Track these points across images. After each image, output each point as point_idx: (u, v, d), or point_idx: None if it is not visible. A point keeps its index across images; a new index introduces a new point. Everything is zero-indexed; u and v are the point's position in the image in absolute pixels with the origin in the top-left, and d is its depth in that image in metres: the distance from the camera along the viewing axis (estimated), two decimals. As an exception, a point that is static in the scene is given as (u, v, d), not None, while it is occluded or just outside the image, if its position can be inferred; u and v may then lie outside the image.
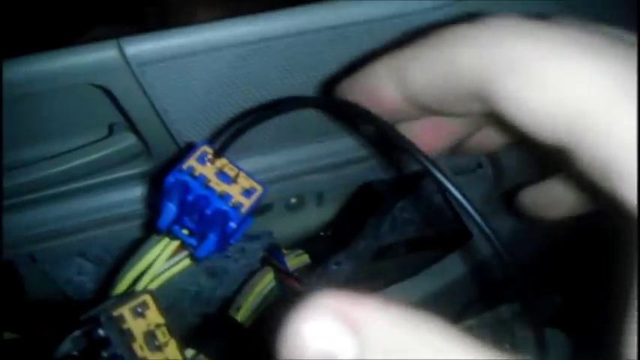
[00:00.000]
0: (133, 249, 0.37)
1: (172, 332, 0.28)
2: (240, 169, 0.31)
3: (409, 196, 0.57)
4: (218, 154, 0.30)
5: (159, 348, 0.27)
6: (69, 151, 0.37)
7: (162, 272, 0.34)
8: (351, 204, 0.58)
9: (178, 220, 0.32)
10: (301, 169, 0.47)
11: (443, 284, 0.48)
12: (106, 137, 0.38)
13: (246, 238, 0.53)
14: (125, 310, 0.27)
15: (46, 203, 0.41)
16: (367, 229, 0.56)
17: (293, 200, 0.57)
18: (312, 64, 0.36)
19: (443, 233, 0.57)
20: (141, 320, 0.28)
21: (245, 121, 0.30)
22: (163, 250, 0.33)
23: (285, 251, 0.50)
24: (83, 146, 0.37)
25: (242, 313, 0.43)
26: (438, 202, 0.58)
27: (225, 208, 0.30)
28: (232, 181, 0.31)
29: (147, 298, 0.28)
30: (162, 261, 0.33)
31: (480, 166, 0.53)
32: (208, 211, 0.30)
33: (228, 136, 0.30)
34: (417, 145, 0.26)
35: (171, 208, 0.31)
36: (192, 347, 0.40)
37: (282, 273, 0.45)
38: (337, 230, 0.57)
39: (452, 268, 0.49)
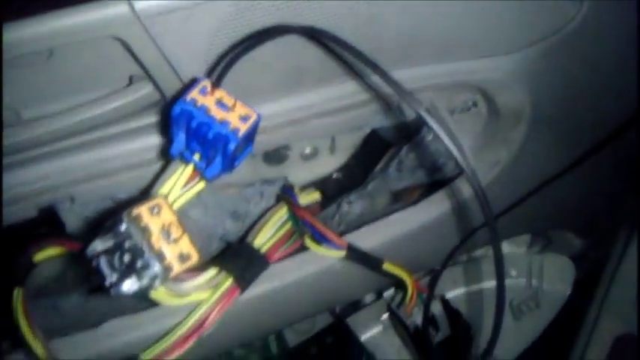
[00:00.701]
0: (153, 180, 0.42)
1: (184, 229, 0.33)
2: (236, 98, 0.36)
3: (412, 141, 0.61)
4: (216, 85, 0.35)
5: (174, 241, 0.33)
6: (96, 99, 0.42)
7: (180, 196, 0.39)
8: (361, 150, 0.62)
9: (188, 147, 0.37)
10: (309, 114, 0.52)
11: (444, 211, 0.52)
12: (126, 87, 0.43)
13: (264, 183, 0.58)
14: (143, 209, 0.33)
15: (81, 149, 0.46)
16: (376, 171, 0.61)
17: (307, 150, 0.62)
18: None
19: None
20: (156, 218, 0.33)
21: (235, 52, 0.35)
22: (179, 177, 0.39)
23: (297, 191, 0.55)
24: (107, 95, 0.43)
25: (258, 240, 0.48)
26: (443, 146, 0.62)
27: (224, 132, 0.35)
28: (230, 109, 0.36)
29: (161, 200, 0.34)
30: (179, 187, 0.38)
31: (474, 104, 0.57)
32: (210, 135, 0.35)
33: (223, 67, 0.35)
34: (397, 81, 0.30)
35: (180, 136, 0.37)
36: (215, 266, 0.46)
37: (294, 206, 0.50)
38: (348, 173, 0.61)
39: (452, 196, 0.53)
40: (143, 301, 0.51)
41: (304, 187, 0.58)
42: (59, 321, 0.52)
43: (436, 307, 0.53)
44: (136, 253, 0.31)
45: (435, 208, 0.52)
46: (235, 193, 0.58)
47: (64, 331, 0.47)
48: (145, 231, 0.32)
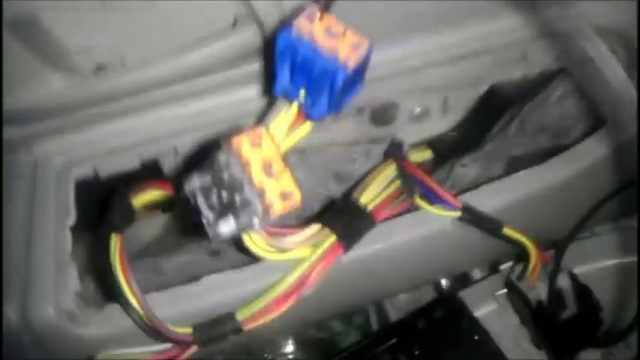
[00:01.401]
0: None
1: (287, 165, 0.30)
2: (346, 25, 0.32)
3: (537, 99, 0.55)
4: (324, 10, 0.32)
5: (275, 177, 0.30)
6: (200, 40, 0.40)
7: (285, 139, 0.36)
8: (477, 110, 0.57)
9: (293, 82, 0.34)
10: (422, 62, 0.48)
11: (576, 170, 0.46)
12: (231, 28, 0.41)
13: (371, 141, 0.55)
14: (243, 139, 0.30)
15: (186, 98, 0.45)
16: (494, 131, 0.55)
17: (417, 110, 0.57)
18: None
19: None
20: (257, 150, 0.30)
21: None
22: (284, 117, 0.36)
23: (407, 149, 0.50)
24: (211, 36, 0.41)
25: (363, 198, 0.44)
26: (571, 106, 0.55)
27: (332, 61, 0.32)
28: (339, 37, 0.32)
29: (262, 131, 0.31)
30: (284, 128, 0.36)
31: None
32: (317, 66, 0.32)
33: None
34: None
35: (284, 70, 0.34)
36: (317, 222, 0.43)
37: (404, 163, 0.45)
38: (463, 133, 0.56)
39: (586, 153, 0.47)
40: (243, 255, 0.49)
41: (415, 145, 0.54)
42: (160, 283, 0.51)
43: (563, 281, 0.46)
44: (235, 187, 0.29)
45: (564, 168, 0.46)
46: (340, 153, 0.55)
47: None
48: (245, 163, 0.29)
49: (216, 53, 0.42)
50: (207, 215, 0.30)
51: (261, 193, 0.29)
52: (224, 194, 0.29)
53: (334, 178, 0.55)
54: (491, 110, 0.56)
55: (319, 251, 0.42)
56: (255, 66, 0.44)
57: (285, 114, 0.36)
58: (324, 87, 0.33)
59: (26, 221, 0.45)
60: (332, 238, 0.42)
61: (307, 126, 0.36)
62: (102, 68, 0.42)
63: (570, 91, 0.54)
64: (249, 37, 0.41)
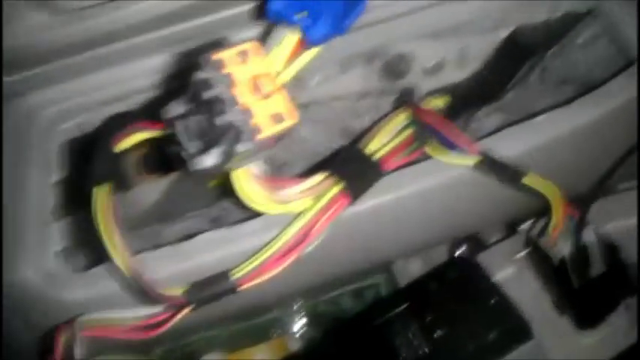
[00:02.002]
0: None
1: (280, 86, 0.26)
2: None
3: (561, 43, 0.50)
4: None
5: (265, 96, 0.26)
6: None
7: (285, 70, 0.32)
8: (497, 57, 0.52)
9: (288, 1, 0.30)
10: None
11: (605, 111, 0.42)
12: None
13: (381, 94, 0.51)
14: (226, 53, 0.26)
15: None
16: (515, 80, 0.51)
17: (432, 62, 0.53)
18: None
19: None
20: (244, 67, 0.26)
21: None
22: (281, 45, 0.32)
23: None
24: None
25: (372, 146, 0.41)
26: (599, 52, 0.51)
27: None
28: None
29: (251, 45, 0.27)
30: (283, 58, 0.32)
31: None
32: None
33: None
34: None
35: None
36: (323, 171, 0.39)
37: (418, 108, 0.41)
38: (481, 83, 0.52)
39: (616, 92, 0.42)
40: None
41: (428, 94, 0.50)
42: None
43: (589, 236, 0.42)
44: (217, 108, 0.25)
45: (592, 109, 0.41)
46: (347, 107, 0.51)
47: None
48: (229, 81, 0.25)
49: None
50: (189, 146, 0.26)
51: (246, 114, 0.25)
52: (206, 120, 0.25)
53: (340, 134, 0.52)
54: (512, 59, 0.51)
55: (323, 201, 0.38)
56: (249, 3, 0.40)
57: (284, 40, 0.31)
58: (322, 1, 0.29)
59: (8, 178, 0.41)
60: (337, 188, 0.38)
61: (309, 53, 0.32)
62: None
63: (598, 35, 0.50)
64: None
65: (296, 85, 0.46)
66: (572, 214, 0.42)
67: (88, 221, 0.38)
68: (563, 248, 0.42)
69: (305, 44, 0.32)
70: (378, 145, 0.41)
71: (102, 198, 0.37)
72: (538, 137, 0.41)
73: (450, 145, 0.40)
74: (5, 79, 0.41)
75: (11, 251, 0.38)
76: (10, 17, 0.39)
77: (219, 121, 0.24)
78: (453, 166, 0.40)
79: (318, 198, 0.38)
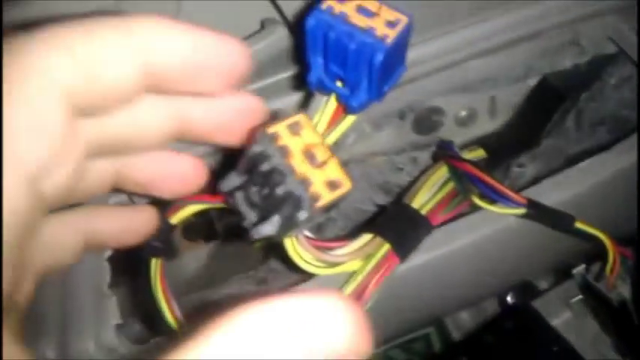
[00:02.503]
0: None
1: (332, 152, 0.27)
2: (381, 2, 0.30)
3: (594, 87, 0.51)
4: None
5: (319, 165, 0.27)
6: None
7: (326, 136, 0.33)
8: (528, 104, 0.53)
9: (327, 71, 0.31)
10: (463, 55, 0.44)
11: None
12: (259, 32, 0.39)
13: (416, 148, 0.51)
14: (280, 127, 0.27)
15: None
16: (550, 126, 0.51)
17: (463, 113, 0.54)
18: None
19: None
20: (297, 138, 0.27)
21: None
22: (322, 112, 0.33)
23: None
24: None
25: (416, 202, 0.41)
26: (629, 93, 0.51)
27: (369, 40, 0.29)
28: (374, 15, 0.29)
29: (301, 117, 0.28)
30: (323, 124, 0.33)
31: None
32: (352, 48, 0.29)
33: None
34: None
35: (317, 59, 0.31)
36: (369, 232, 0.39)
37: (458, 161, 0.42)
38: (515, 131, 0.52)
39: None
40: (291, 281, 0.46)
41: (464, 146, 0.50)
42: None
43: (643, 277, 0.41)
44: (275, 179, 0.26)
45: (632, 151, 0.41)
46: (384, 163, 0.51)
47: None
48: (285, 153, 0.26)
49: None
50: (249, 215, 0.27)
51: (305, 183, 0.26)
52: (265, 191, 0.26)
53: (381, 190, 0.52)
54: (544, 105, 0.52)
55: (373, 262, 0.38)
56: (289, 72, 0.42)
57: (324, 108, 0.33)
58: (361, 70, 0.30)
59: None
60: (385, 248, 0.38)
61: (349, 119, 0.33)
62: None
63: (627, 77, 0.50)
64: (278, 40, 0.39)
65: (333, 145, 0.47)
66: (626, 256, 0.41)
67: (141, 292, 0.38)
68: (621, 291, 0.42)
69: (342, 111, 0.33)
70: (421, 202, 0.41)
71: (158, 269, 0.38)
72: (582, 183, 0.41)
73: (494, 196, 0.40)
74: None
75: (71, 327, 0.39)
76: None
77: (279, 190, 0.25)
78: (501, 216, 0.40)
79: (366, 257, 0.39)
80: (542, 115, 0.51)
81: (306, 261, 0.37)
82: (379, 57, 0.29)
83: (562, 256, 0.46)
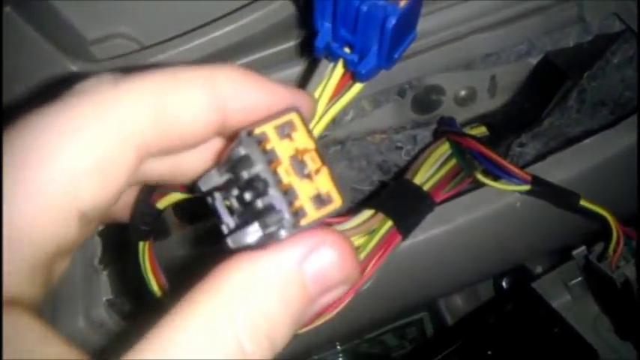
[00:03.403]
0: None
1: (325, 159, 0.23)
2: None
3: (597, 66, 0.50)
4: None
5: (308, 176, 0.24)
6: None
7: (332, 105, 0.32)
8: (529, 84, 0.52)
9: (335, 37, 0.30)
10: (464, 29, 0.43)
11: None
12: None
13: (416, 126, 0.50)
14: (268, 128, 0.23)
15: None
16: (551, 105, 0.51)
17: (463, 92, 0.53)
18: None
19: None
20: (287, 142, 0.23)
21: None
22: (328, 79, 0.31)
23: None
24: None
25: (418, 179, 0.40)
26: (632, 74, 0.51)
27: (380, 3, 0.27)
28: (387, -24, 0.28)
29: (293, 116, 0.23)
30: (329, 91, 0.31)
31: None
32: (363, 12, 0.28)
33: None
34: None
35: (325, 24, 0.30)
36: (370, 207, 0.38)
37: (461, 137, 0.41)
38: (516, 110, 0.51)
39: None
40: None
41: (465, 123, 0.49)
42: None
43: (647, 257, 0.41)
44: (257, 188, 0.23)
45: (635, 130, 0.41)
46: (383, 141, 0.50)
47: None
48: (271, 159, 0.22)
49: (245, 31, 0.38)
50: (227, 220, 0.24)
51: (289, 196, 0.22)
52: (246, 196, 0.23)
53: (379, 169, 0.51)
54: (545, 83, 0.51)
55: (375, 239, 0.37)
56: (291, 42, 0.40)
57: (330, 74, 0.31)
58: (372, 34, 0.28)
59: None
60: (388, 224, 0.37)
61: (356, 88, 0.32)
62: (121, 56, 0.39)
63: (630, 56, 0.50)
64: (279, 8, 0.38)
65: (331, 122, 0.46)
66: (630, 236, 0.40)
67: (131, 271, 0.37)
68: (625, 271, 0.41)
69: (349, 79, 0.32)
70: (423, 178, 0.40)
71: (147, 252, 0.37)
72: (586, 161, 0.40)
73: (498, 173, 0.39)
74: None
75: (61, 302, 0.37)
76: (46, 67, 0.39)
77: (259, 203, 0.23)
78: (504, 193, 0.39)
79: (368, 234, 0.38)
80: (544, 94, 0.50)
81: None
82: (392, 21, 0.28)
83: (563, 236, 0.45)
